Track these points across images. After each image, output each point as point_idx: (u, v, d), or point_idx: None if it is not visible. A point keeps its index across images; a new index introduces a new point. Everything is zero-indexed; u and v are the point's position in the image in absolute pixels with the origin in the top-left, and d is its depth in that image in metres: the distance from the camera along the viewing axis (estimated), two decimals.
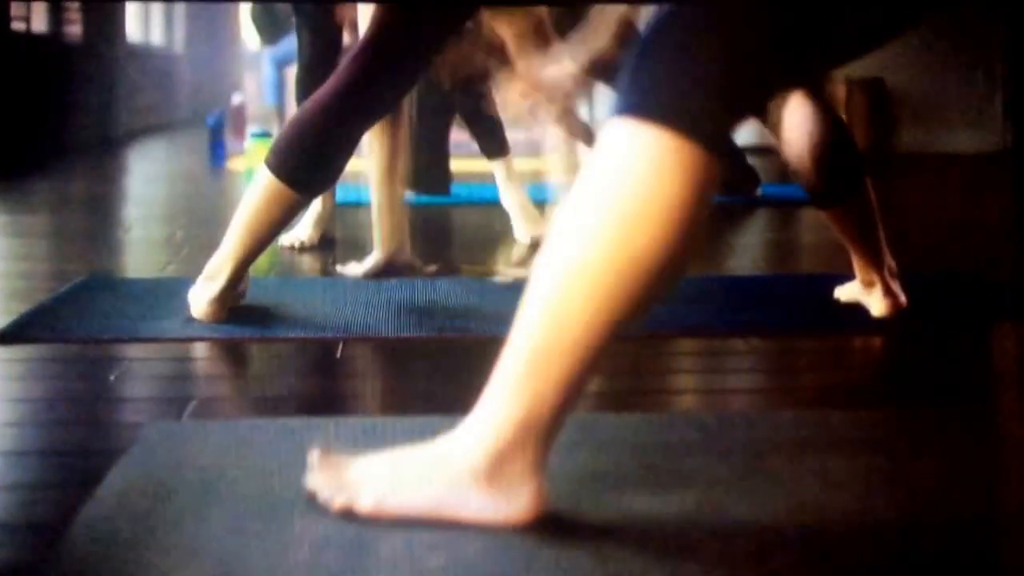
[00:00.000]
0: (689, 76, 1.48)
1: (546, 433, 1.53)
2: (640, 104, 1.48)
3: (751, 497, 1.66)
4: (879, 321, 2.88)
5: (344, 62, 2.83)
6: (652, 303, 1.50)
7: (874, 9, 1.52)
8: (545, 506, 1.55)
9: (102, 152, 9.03)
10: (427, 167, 5.56)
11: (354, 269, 3.20)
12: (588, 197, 1.49)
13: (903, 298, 2.94)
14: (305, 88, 4.21)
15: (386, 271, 3.16)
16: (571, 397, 1.53)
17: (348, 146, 2.84)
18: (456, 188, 5.82)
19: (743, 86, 1.50)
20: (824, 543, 1.52)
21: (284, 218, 2.83)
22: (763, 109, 1.65)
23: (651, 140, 1.47)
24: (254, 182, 2.84)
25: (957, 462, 1.83)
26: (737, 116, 1.52)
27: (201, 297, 2.87)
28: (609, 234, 1.47)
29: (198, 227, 2.86)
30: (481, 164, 6.55)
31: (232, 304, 2.92)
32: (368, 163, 3.14)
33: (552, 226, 1.52)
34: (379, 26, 2.80)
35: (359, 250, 4.13)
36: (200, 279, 2.90)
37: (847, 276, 3.22)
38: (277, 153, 2.80)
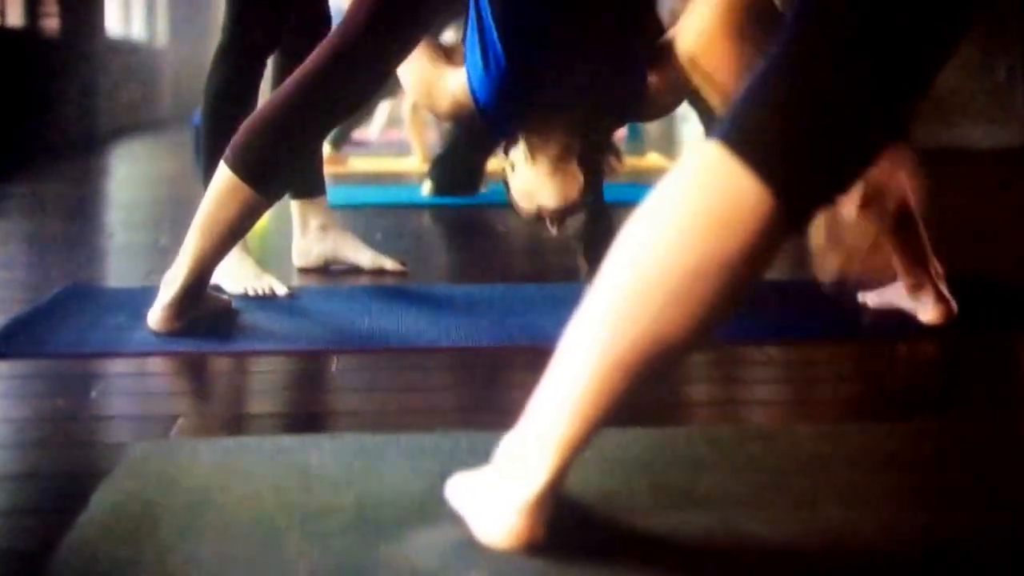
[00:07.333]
0: (792, 129, 1.41)
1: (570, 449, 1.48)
2: (734, 137, 1.42)
3: (769, 517, 1.62)
4: (900, 329, 2.78)
5: (309, 58, 2.72)
6: (692, 338, 1.46)
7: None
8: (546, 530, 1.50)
9: (82, 152, 8.97)
10: (457, 167, 5.49)
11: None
12: (654, 214, 1.44)
13: (954, 304, 2.81)
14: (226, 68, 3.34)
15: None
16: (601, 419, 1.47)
17: (310, 145, 2.78)
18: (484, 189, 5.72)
19: (843, 151, 1.44)
20: (846, 565, 1.49)
21: (243, 219, 2.73)
22: (855, 179, 1.58)
23: (734, 183, 1.41)
24: (214, 179, 2.74)
25: (988, 479, 1.79)
26: (830, 184, 1.46)
27: (155, 303, 2.75)
28: (662, 254, 1.42)
29: (183, 233, 2.78)
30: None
31: (192, 312, 2.76)
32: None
33: (621, 236, 1.46)
34: (349, 25, 2.71)
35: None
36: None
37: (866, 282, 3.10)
38: (236, 149, 2.71)
